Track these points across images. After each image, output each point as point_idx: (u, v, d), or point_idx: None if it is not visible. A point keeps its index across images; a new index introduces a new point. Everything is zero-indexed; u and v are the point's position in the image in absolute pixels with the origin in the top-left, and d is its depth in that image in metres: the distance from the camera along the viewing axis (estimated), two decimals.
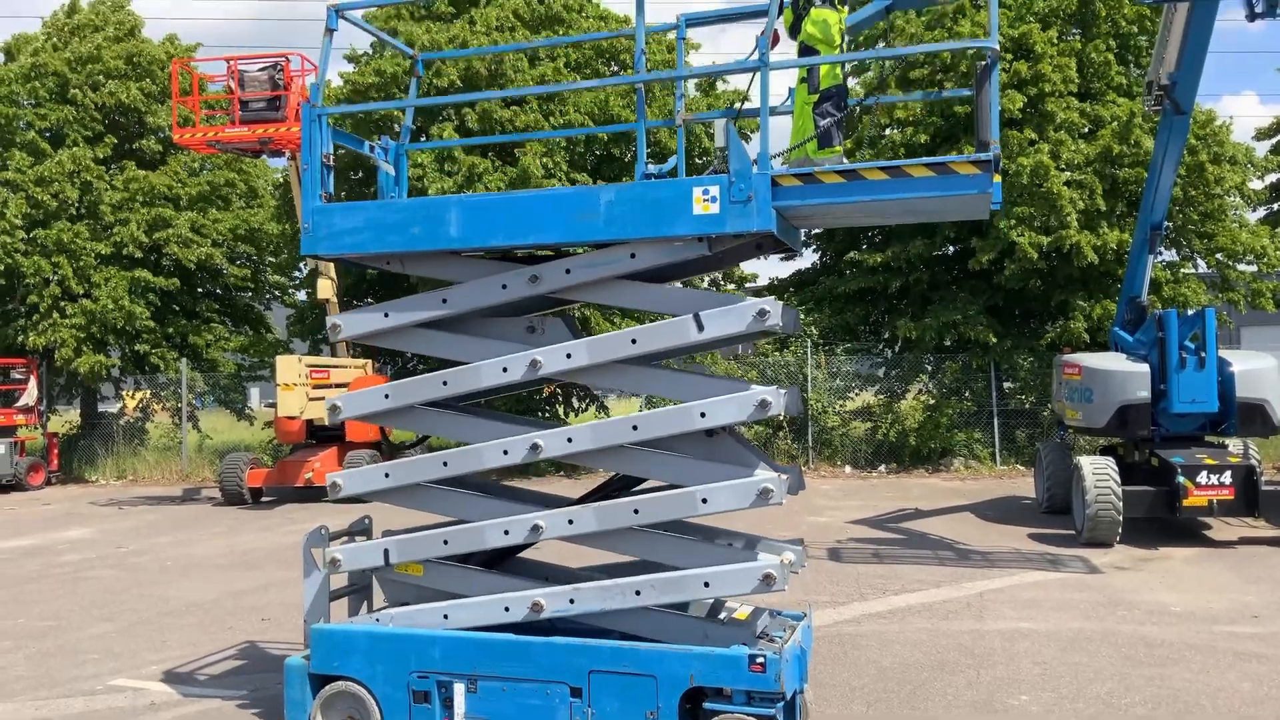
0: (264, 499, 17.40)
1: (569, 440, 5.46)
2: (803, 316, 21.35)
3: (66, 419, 24.70)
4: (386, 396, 5.73)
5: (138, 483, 21.15)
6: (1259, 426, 12.01)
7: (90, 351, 21.10)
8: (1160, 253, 19.72)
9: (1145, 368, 12.17)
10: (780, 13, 5.77)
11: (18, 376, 20.91)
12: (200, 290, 24.29)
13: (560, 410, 22.31)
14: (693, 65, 6.03)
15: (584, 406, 22.64)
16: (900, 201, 5.11)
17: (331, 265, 18.07)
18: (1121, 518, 11.37)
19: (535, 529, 5.39)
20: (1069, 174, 18.49)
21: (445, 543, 5.59)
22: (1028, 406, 20.40)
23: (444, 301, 5.63)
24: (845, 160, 6.51)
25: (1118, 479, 11.43)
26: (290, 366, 16.45)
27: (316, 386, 16.96)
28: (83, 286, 21.18)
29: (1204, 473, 11.33)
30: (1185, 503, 11.29)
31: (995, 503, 15.46)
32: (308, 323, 22.84)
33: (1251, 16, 9.80)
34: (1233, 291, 20.39)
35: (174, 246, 21.91)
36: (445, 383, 5.59)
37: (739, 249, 5.58)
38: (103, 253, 21.41)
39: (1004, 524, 13.41)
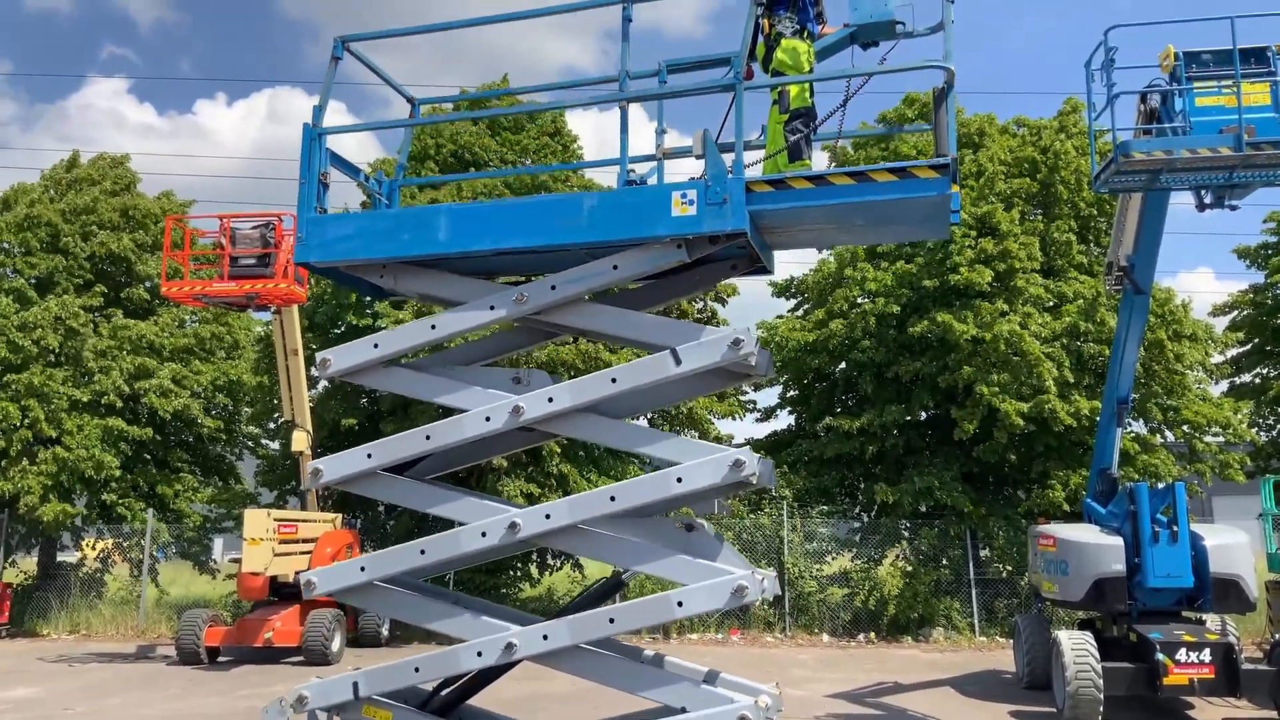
0: (220, 659, 16.77)
1: (546, 517, 5.43)
2: (779, 481, 21.39)
3: (22, 568, 23.92)
4: (362, 569, 5.67)
5: (91, 637, 20.35)
6: (1234, 603, 11.95)
7: (55, 500, 20.69)
8: (1129, 424, 20.14)
9: (1119, 540, 12.20)
10: (754, 45, 6.18)
11: None
12: (172, 440, 24.06)
13: (534, 570, 21.91)
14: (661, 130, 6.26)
15: (558, 565, 22.25)
16: (866, 207, 5.32)
17: (308, 416, 18.06)
18: (1102, 695, 11.14)
19: (509, 648, 5.27)
20: (1040, 344, 19.00)
21: (416, 670, 5.47)
22: (1005, 575, 20.24)
23: (433, 328, 5.72)
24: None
25: (1096, 655, 11.27)
26: (258, 521, 16.17)
27: (284, 541, 16.65)
28: (54, 432, 20.96)
29: (1183, 650, 11.20)
30: (1166, 681, 11.10)
31: (975, 676, 15.13)
32: (278, 473, 22.61)
33: (1201, 207, 10.39)
34: (1201, 463, 20.65)
35: (152, 396, 21.84)
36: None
37: (715, 269, 5.80)
38: (80, 399, 21.31)
39: (985, 700, 13.09)
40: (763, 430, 24.44)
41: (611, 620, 5.23)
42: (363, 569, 5.64)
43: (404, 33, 6.86)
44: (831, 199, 5.30)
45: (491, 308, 5.62)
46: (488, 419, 5.52)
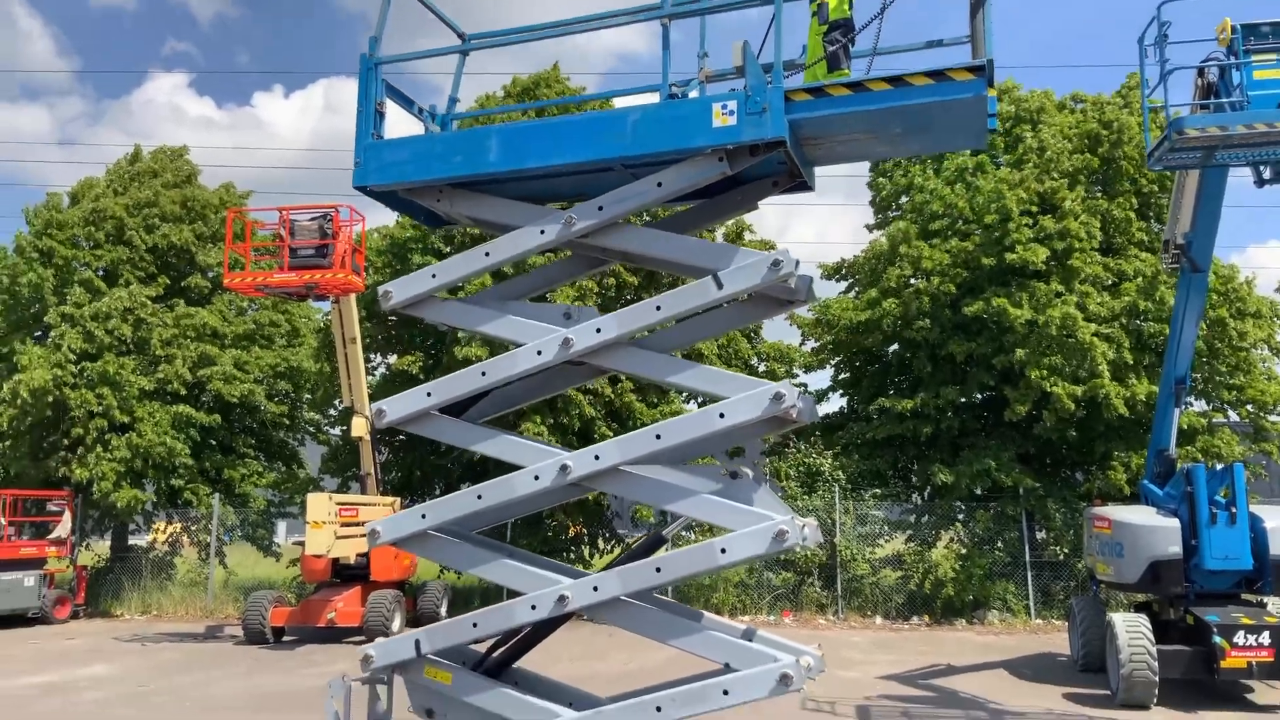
0: (286, 638, 17.29)
1: (596, 458, 5.59)
2: (830, 462, 21.34)
3: (95, 551, 24.84)
4: (423, 516, 5.87)
5: (161, 617, 21.10)
6: None
7: (128, 486, 21.44)
8: (1189, 404, 19.75)
9: (1175, 522, 12.03)
10: None
11: (53, 508, 21.24)
12: (237, 426, 24.74)
13: (585, 551, 22.18)
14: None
15: (609, 548, 22.51)
16: (903, 112, 5.34)
17: (366, 402, 18.46)
18: (1158, 678, 11.05)
19: (561, 600, 5.44)
20: (1096, 326, 18.69)
21: (475, 625, 5.66)
22: (1062, 558, 20.02)
23: (486, 255, 5.88)
24: None
25: (1152, 638, 11.17)
26: (320, 504, 16.62)
27: (345, 525, 17.09)
28: (126, 418, 21.68)
29: (1241, 633, 11.05)
30: (1223, 664, 10.98)
31: (1030, 659, 15.03)
32: (341, 459, 23.14)
33: (1260, 183, 10.17)
34: (1267, 442, 20.19)
35: (217, 383, 22.48)
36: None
37: (756, 186, 5.88)
38: (146, 387, 22.00)
39: (1038, 682, 13.02)
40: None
41: (658, 570, 5.36)
42: (424, 516, 5.85)
43: None
44: (870, 104, 5.34)
45: (542, 232, 5.74)
46: (539, 352, 5.67)
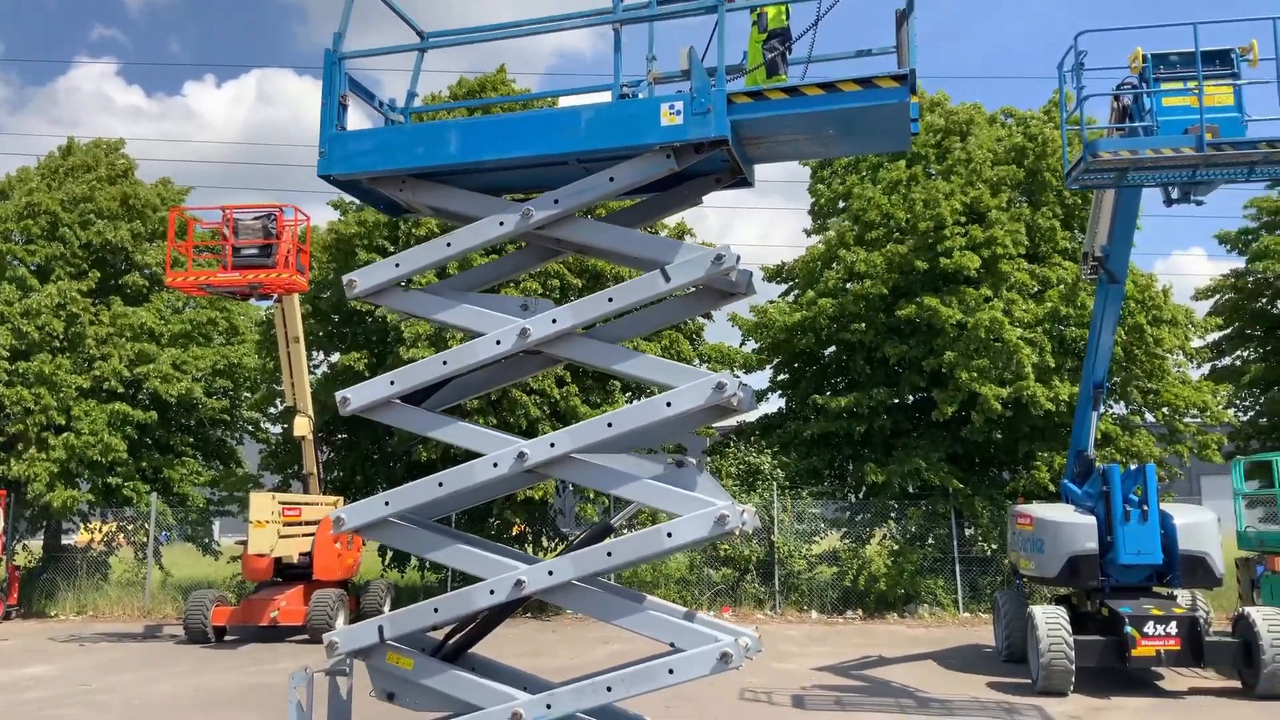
0: (227, 637, 17.27)
1: (551, 445, 5.95)
2: (770, 460, 21.88)
3: (29, 551, 24.38)
4: (386, 503, 6.15)
5: (98, 618, 20.84)
6: (1202, 578, 12.51)
7: (63, 486, 21.14)
8: (1110, 406, 20.70)
9: (1092, 520, 12.73)
10: None
11: None
12: (175, 424, 24.47)
13: (529, 549, 22.42)
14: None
15: (552, 546, 22.77)
16: (835, 115, 5.84)
17: (309, 401, 18.48)
18: (1074, 666, 11.70)
19: (518, 585, 5.77)
20: (1022, 330, 19.50)
21: (436, 610, 5.94)
22: (989, 554, 20.83)
23: (448, 245, 6.21)
24: None
25: (1069, 628, 11.83)
26: (263, 503, 16.64)
27: (288, 524, 17.12)
28: (63, 418, 21.37)
29: (1150, 623, 11.77)
30: (1134, 653, 11.68)
31: (957, 650, 15.70)
32: (280, 458, 23.06)
33: (1169, 202, 10.85)
34: (1180, 444, 21.21)
35: (154, 381, 22.24)
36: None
37: (700, 182, 6.35)
38: (83, 386, 21.70)
39: (964, 672, 13.66)
40: (753, 413, 24.86)
41: (609, 554, 5.73)
42: (386, 503, 6.14)
43: None
44: (804, 108, 5.83)
45: (501, 224, 6.09)
46: (498, 342, 6.02)
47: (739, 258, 5.90)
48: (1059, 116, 21.68)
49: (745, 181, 6.59)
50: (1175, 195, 10.76)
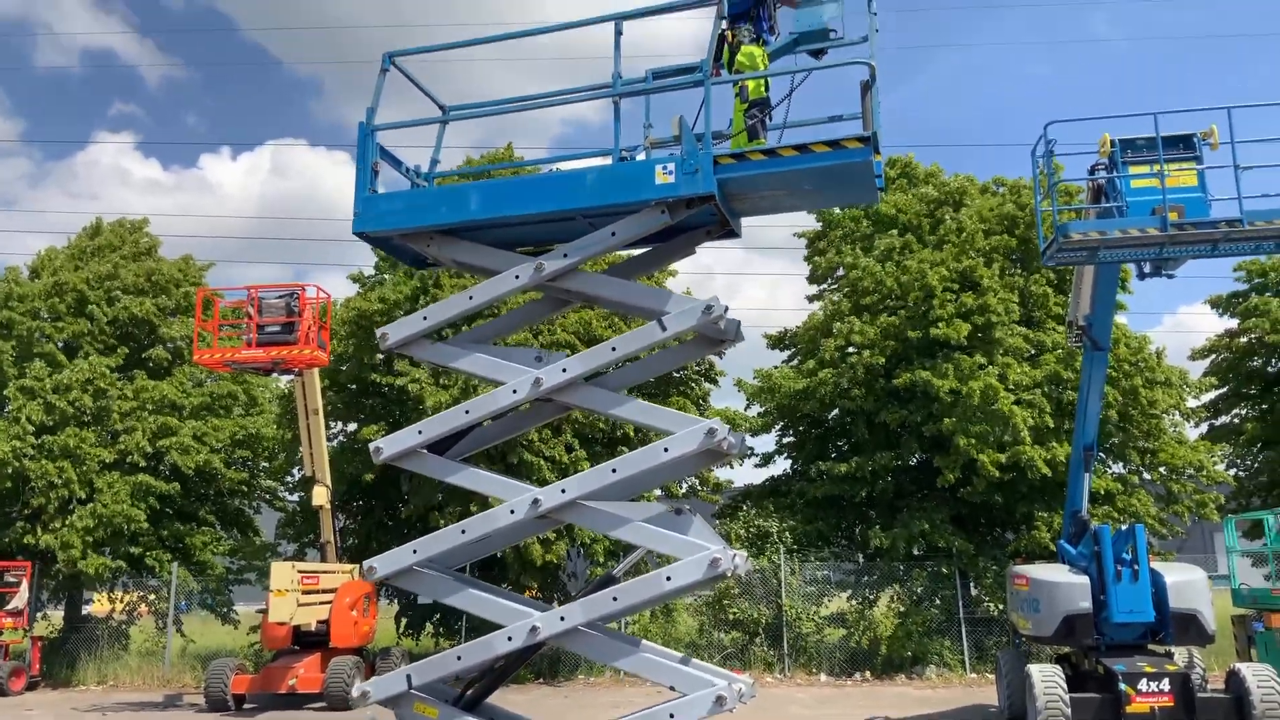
0: (246, 705, 17.61)
1: (562, 491, 6.54)
2: (777, 524, 22.29)
3: (49, 622, 24.80)
4: (414, 551, 6.71)
5: (119, 688, 21.19)
6: (1194, 635, 12.85)
7: (94, 554, 21.72)
8: (1108, 467, 21.12)
9: (1085, 579, 13.13)
10: (719, 51, 7.59)
11: (10, 580, 21.33)
12: (194, 494, 25.03)
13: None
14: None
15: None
16: (808, 173, 6.59)
17: (327, 472, 19.05)
18: None
19: (533, 630, 6.27)
20: (1017, 394, 20.02)
21: (459, 658, 6.46)
22: (995, 614, 21.07)
23: (470, 298, 6.93)
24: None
25: (1064, 686, 12.17)
26: (283, 573, 17.13)
27: (306, 592, 17.57)
28: (85, 491, 21.98)
29: (1144, 680, 12.11)
30: (1128, 709, 12.00)
31: (962, 710, 15.97)
32: (296, 525, 23.57)
33: (1142, 276, 11.49)
34: (1177, 504, 21.56)
35: (175, 454, 22.87)
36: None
37: (692, 235, 7.11)
38: (105, 459, 22.34)
39: None
40: (761, 475, 25.39)
41: (615, 599, 6.29)
42: (415, 551, 6.70)
43: (443, 48, 7.89)
44: (781, 167, 6.63)
45: (517, 277, 6.82)
46: (515, 391, 6.69)
47: (726, 308, 6.61)
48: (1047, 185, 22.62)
49: (733, 233, 7.38)
50: (1147, 270, 11.39)
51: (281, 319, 17.33)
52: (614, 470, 6.47)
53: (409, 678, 6.47)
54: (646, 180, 6.59)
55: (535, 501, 6.48)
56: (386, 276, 23.44)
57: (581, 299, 7.75)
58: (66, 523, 21.55)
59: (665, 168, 6.55)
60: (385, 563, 6.72)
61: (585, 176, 6.79)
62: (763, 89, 7.65)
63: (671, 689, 6.11)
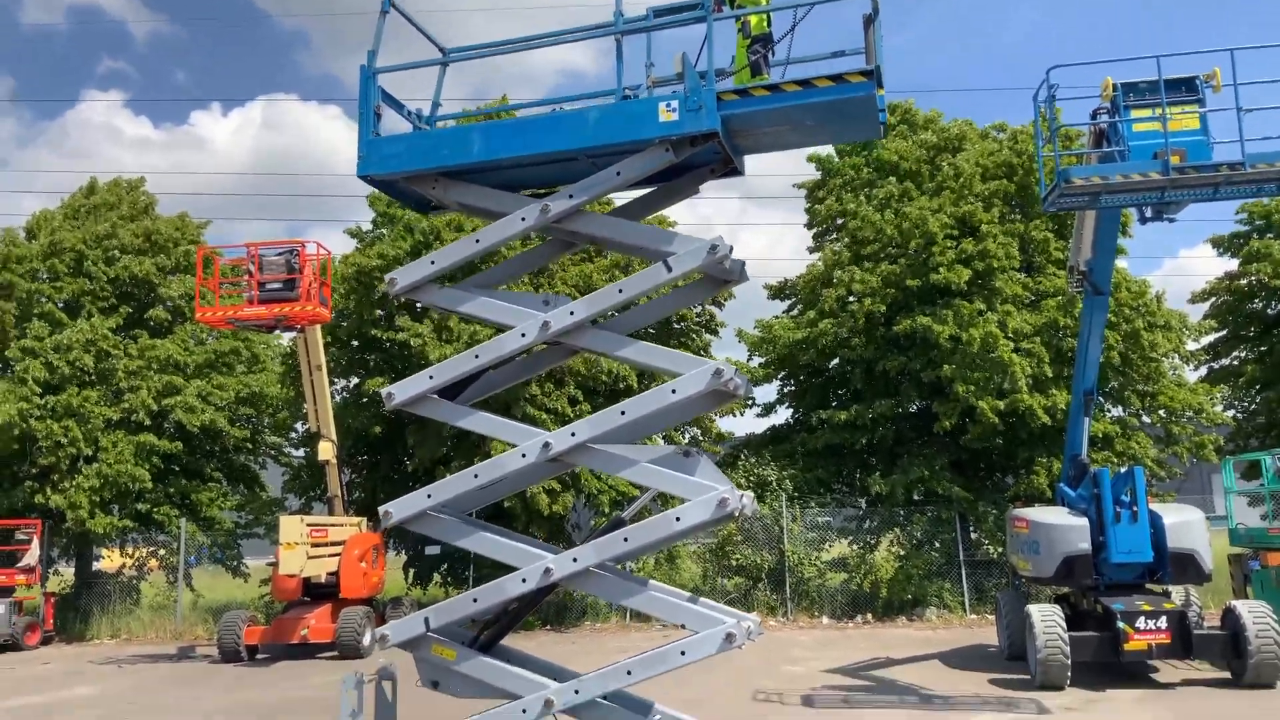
0: (259, 655, 17.93)
1: (572, 434, 6.61)
2: (778, 472, 22.51)
3: (61, 578, 25.13)
4: (429, 495, 6.83)
5: (132, 641, 21.54)
6: (1191, 574, 13.10)
7: (102, 513, 21.93)
8: (1108, 411, 21.28)
9: (1085, 521, 13.34)
10: None
11: (21, 538, 21.59)
12: (200, 452, 25.20)
13: None
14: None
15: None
16: (811, 108, 6.57)
17: (332, 427, 19.19)
18: (1070, 661, 12.29)
19: (547, 572, 6.42)
20: (1015, 342, 20.10)
21: (475, 600, 6.61)
22: (994, 557, 21.38)
23: (477, 241, 6.95)
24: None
25: (1064, 625, 12.42)
26: (293, 526, 17.33)
27: (315, 545, 17.80)
28: (91, 449, 22.14)
29: (1141, 618, 12.37)
30: (1126, 647, 12.28)
31: (962, 651, 16.28)
32: (302, 481, 23.78)
33: (1143, 220, 11.50)
34: (1177, 445, 21.77)
35: (180, 413, 22.99)
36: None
37: (696, 174, 7.11)
38: (111, 418, 22.47)
39: (968, 670, 14.25)
40: (762, 425, 25.56)
41: (625, 539, 6.39)
42: (429, 495, 6.81)
43: None
44: (784, 102, 6.58)
45: (523, 219, 6.82)
46: (523, 335, 6.72)
47: (731, 247, 6.61)
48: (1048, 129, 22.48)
49: (736, 171, 7.35)
50: (1149, 215, 11.41)
51: (282, 276, 17.32)
52: (623, 413, 6.52)
53: (427, 620, 6.61)
54: (650, 118, 6.56)
55: (546, 445, 6.54)
56: (385, 232, 23.38)
57: (587, 240, 7.74)
58: (74, 482, 21.74)
59: (669, 105, 6.52)
60: (400, 507, 6.82)
61: (588, 115, 6.76)
62: (765, 24, 7.61)
63: (681, 627, 6.25)
